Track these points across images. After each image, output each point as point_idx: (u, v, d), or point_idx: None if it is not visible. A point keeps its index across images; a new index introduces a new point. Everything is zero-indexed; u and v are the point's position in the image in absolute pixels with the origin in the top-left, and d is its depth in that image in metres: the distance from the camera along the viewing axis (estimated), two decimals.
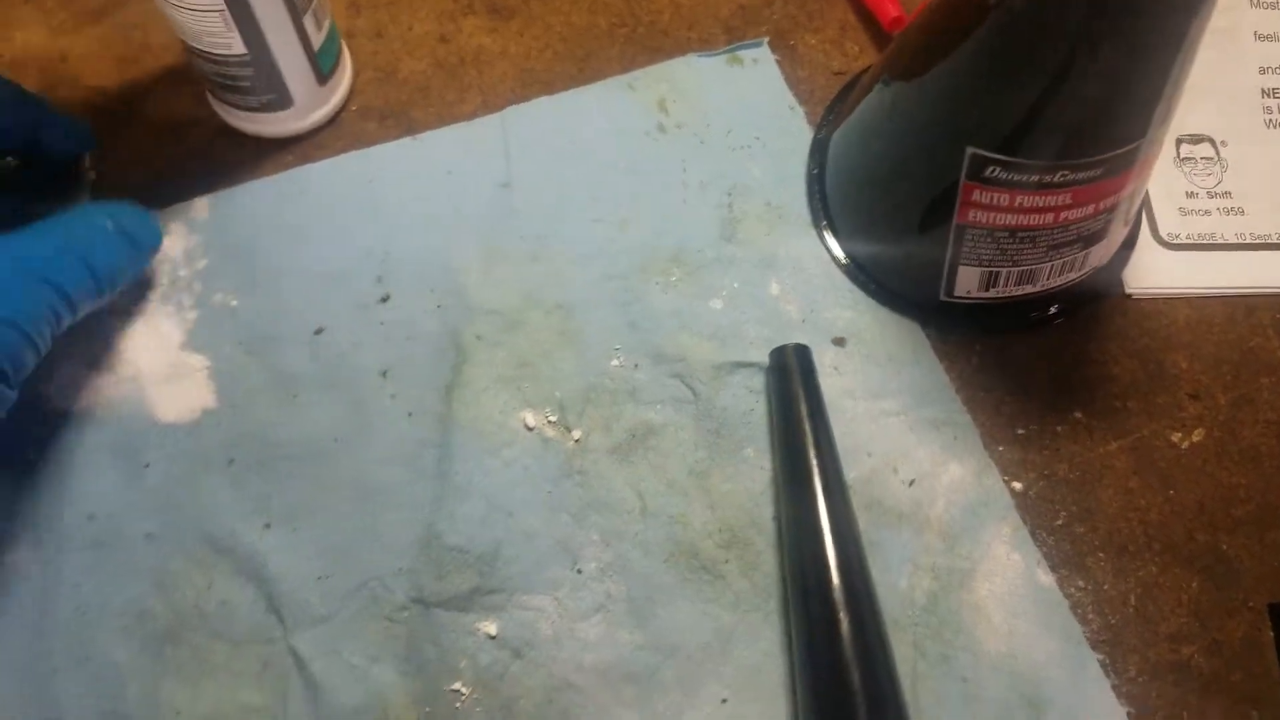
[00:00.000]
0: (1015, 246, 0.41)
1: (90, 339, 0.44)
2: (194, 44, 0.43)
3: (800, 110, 0.51)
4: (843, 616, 0.36)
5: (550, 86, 0.51)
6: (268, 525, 0.41)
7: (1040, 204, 0.39)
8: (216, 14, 0.41)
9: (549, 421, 0.43)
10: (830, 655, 0.36)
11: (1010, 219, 0.40)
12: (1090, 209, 0.40)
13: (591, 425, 0.43)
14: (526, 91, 0.51)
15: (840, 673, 0.35)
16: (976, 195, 0.39)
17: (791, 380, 0.42)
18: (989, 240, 0.41)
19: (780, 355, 0.43)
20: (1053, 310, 0.46)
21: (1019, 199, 0.39)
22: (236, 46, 0.43)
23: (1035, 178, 0.38)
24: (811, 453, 0.40)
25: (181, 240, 0.46)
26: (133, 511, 0.41)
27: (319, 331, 0.45)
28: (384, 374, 0.44)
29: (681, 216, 0.47)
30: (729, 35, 0.53)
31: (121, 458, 0.42)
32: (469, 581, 0.40)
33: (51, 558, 0.40)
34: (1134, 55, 0.34)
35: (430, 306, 0.45)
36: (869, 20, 0.53)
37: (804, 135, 0.50)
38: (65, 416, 0.43)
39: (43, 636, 0.39)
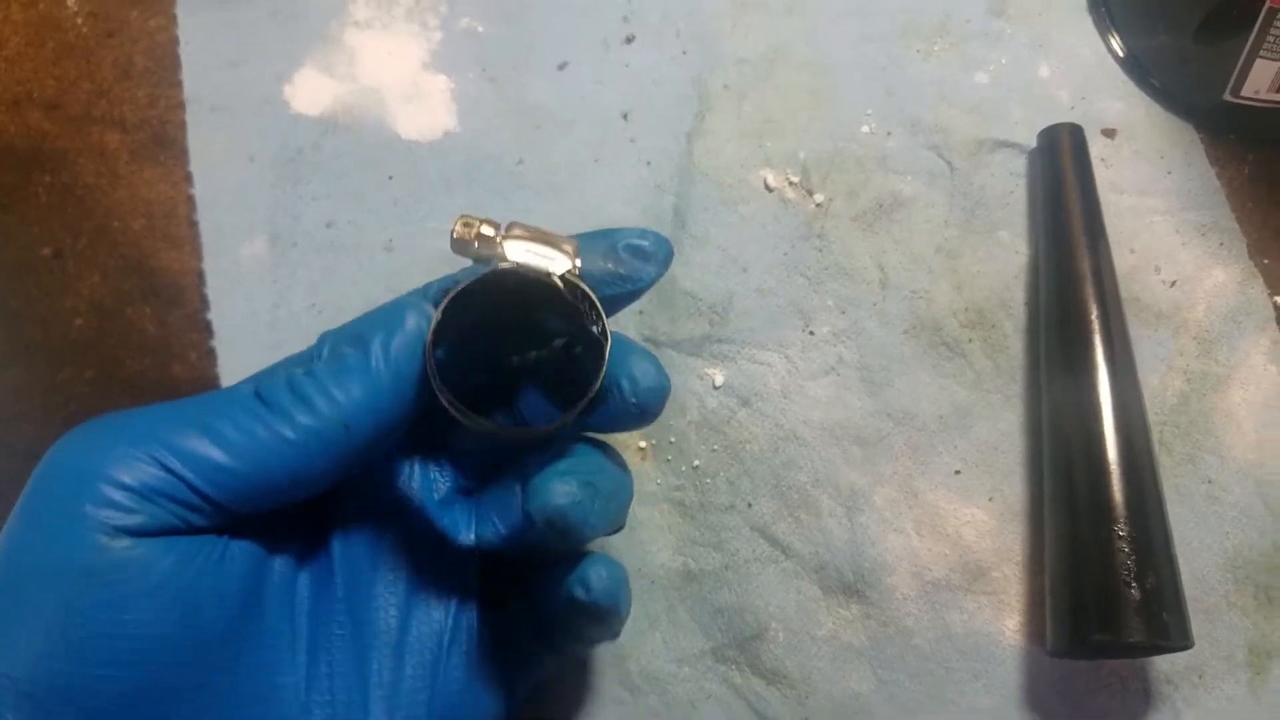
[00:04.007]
0: None
1: (330, 46, 0.43)
2: None
3: None
4: (1108, 411, 0.35)
5: None
6: None
7: None
8: None
9: (790, 182, 0.42)
10: (1087, 432, 0.35)
11: None
12: None
13: (835, 190, 0.42)
14: None
15: (1097, 447, 0.34)
16: None
17: (1063, 161, 0.39)
18: None
19: (1052, 134, 0.40)
20: None
21: None
22: None
23: None
24: (1082, 237, 0.38)
25: None
26: (373, 220, 0.41)
27: (562, 66, 0.43)
28: (625, 116, 0.43)
29: None
30: None
31: (364, 168, 0.42)
32: (700, 328, 0.40)
33: (285, 253, 0.41)
34: None
35: (676, 52, 0.44)
36: None
37: None
38: (306, 120, 0.42)
39: (275, 327, 0.40)
